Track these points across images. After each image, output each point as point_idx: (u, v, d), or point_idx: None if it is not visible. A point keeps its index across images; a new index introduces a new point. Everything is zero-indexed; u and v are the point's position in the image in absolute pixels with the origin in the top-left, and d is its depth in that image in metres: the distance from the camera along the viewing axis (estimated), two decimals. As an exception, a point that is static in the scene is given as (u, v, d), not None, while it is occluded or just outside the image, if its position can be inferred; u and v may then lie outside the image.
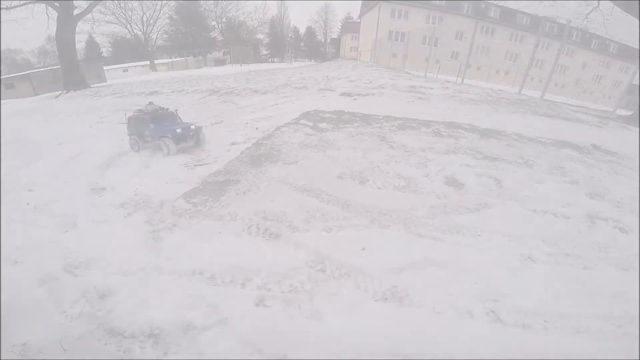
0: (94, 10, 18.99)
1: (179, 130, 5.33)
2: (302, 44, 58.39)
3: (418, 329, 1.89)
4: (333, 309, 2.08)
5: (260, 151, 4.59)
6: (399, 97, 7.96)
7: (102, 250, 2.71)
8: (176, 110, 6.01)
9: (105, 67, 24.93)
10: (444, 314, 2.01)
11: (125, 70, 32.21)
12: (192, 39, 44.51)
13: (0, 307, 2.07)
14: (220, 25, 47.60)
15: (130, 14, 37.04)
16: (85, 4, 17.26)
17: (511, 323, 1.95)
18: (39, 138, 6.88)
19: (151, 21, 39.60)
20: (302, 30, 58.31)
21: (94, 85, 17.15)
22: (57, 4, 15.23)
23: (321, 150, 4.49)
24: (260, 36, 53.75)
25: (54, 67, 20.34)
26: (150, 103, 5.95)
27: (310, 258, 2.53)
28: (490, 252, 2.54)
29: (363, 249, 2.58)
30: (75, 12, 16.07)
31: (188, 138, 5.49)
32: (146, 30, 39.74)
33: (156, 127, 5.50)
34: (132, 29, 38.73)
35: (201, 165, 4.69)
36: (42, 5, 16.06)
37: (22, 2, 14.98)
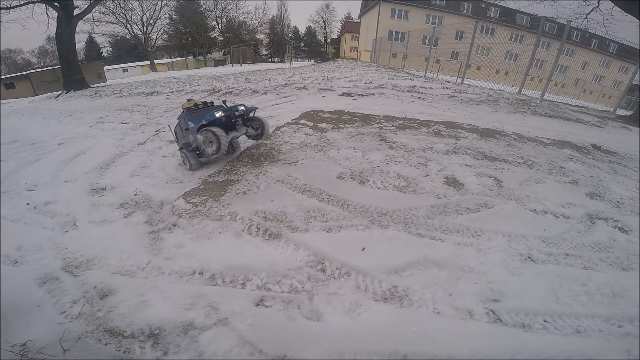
0: (94, 10, 19.01)
1: (200, 137, 3.79)
2: (302, 43, 58.50)
3: (418, 329, 1.88)
4: (333, 309, 2.08)
5: (260, 151, 4.59)
6: (399, 97, 7.96)
7: (102, 250, 2.71)
8: (224, 102, 4.44)
9: (105, 67, 24.99)
10: (444, 314, 2.01)
11: (125, 70, 32.29)
12: (192, 39, 44.57)
13: (0, 307, 2.07)
14: (220, 25, 47.69)
15: (130, 14, 37.20)
16: (85, 4, 17.27)
17: (511, 323, 1.95)
18: (39, 138, 6.87)
19: (151, 21, 39.72)
20: (302, 30, 58.51)
21: (94, 85, 17.18)
22: (57, 4, 15.24)
23: (321, 150, 4.49)
24: (260, 36, 53.89)
25: (54, 67, 20.39)
26: (189, 100, 4.58)
27: (310, 258, 2.53)
28: (490, 252, 2.54)
29: (363, 249, 2.58)
30: (75, 12, 16.08)
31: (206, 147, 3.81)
32: (146, 30, 39.79)
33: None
34: (132, 29, 38.82)
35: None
36: (42, 5, 16.08)
37: (22, 2, 14.99)
